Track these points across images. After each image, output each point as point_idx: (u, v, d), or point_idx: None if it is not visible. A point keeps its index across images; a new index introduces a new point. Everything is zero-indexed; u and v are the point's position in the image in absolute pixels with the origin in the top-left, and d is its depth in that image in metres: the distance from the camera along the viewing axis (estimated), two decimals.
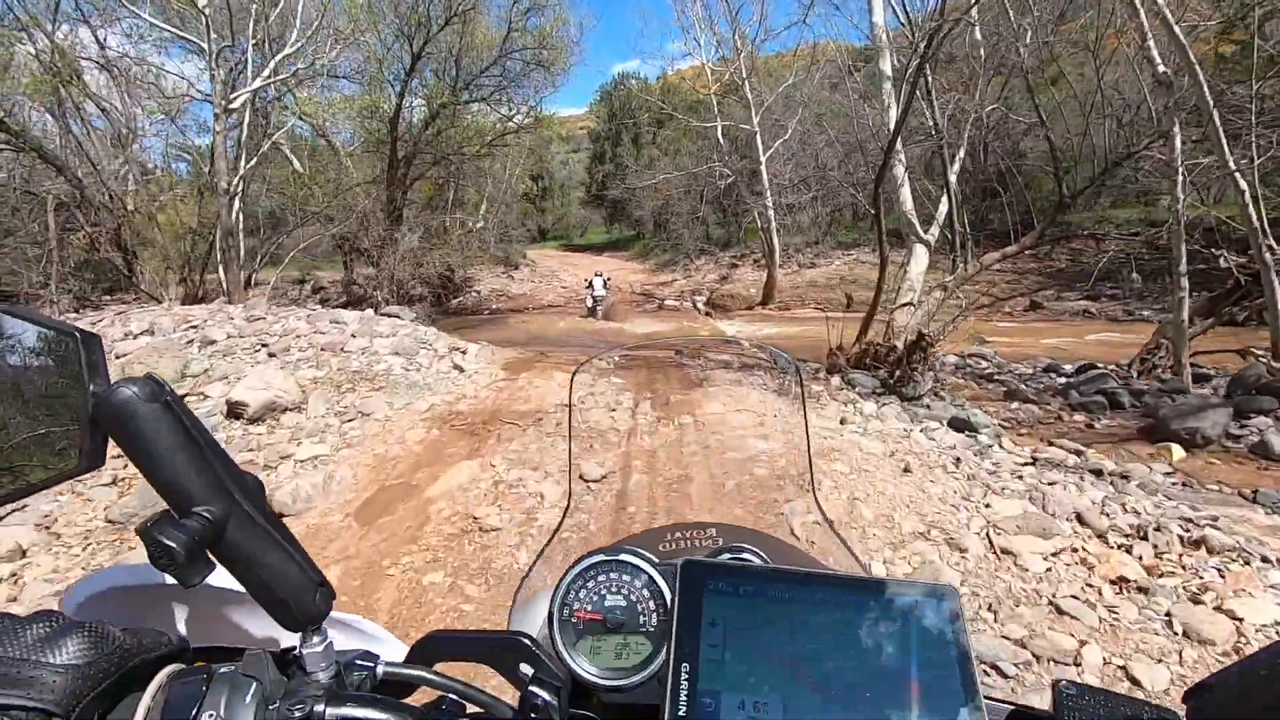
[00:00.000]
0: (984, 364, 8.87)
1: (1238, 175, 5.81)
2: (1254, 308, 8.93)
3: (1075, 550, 2.55)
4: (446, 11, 15.99)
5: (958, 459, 3.86)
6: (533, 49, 17.84)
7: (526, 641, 0.48)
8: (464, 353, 7.58)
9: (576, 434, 4.26)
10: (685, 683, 0.40)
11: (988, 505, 3.04)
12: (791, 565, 0.57)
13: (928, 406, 6.18)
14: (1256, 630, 2.18)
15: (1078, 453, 4.75)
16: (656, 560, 0.53)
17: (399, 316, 10.51)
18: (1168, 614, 2.27)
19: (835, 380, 7.21)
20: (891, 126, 7.94)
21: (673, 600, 0.45)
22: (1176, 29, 5.68)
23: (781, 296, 18.94)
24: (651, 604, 0.51)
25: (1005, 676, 1.98)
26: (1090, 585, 2.32)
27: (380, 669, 0.47)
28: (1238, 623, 2.22)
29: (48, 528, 3.43)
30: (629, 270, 28.79)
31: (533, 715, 0.46)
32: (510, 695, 0.49)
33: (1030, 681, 1.97)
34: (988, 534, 2.68)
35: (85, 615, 0.40)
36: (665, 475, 3.69)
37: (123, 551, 3.17)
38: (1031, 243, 8.46)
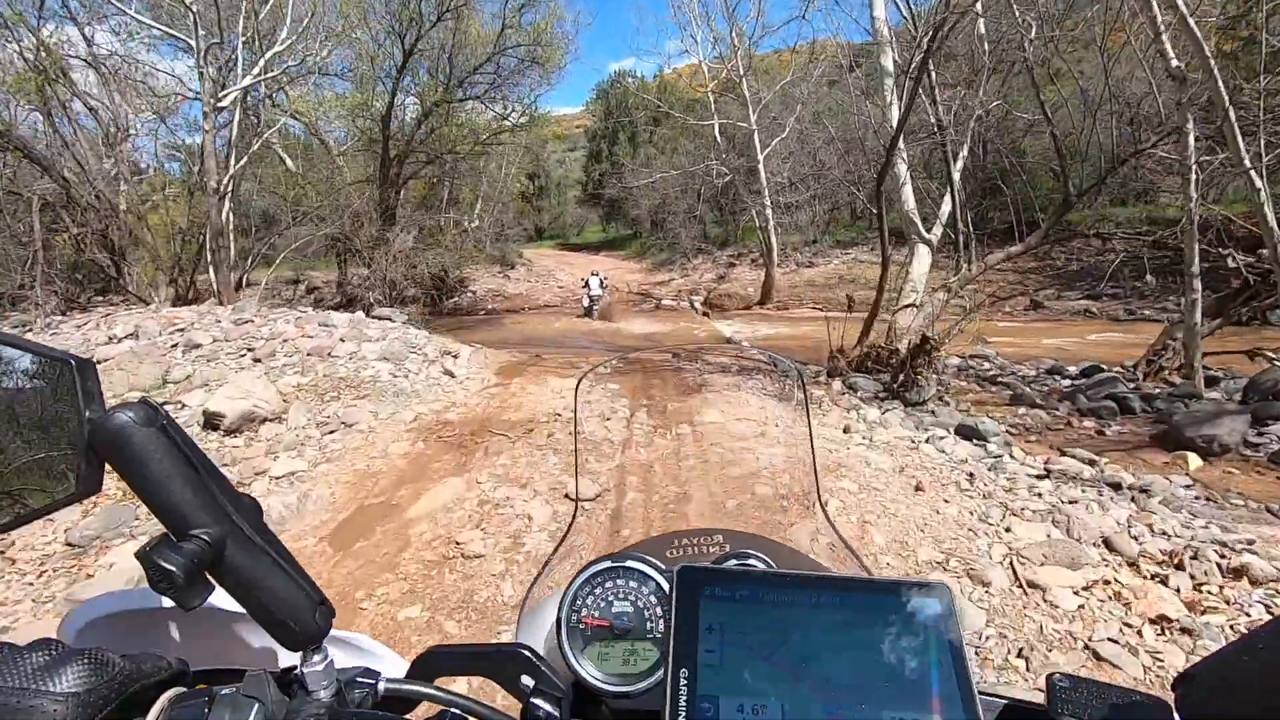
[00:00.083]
0: (986, 365, 8.68)
1: (1253, 173, 5.61)
2: (1262, 308, 8.77)
3: (1108, 583, 2.34)
4: (439, 7, 15.71)
5: (971, 474, 3.65)
6: (527, 46, 17.50)
7: (527, 653, 0.49)
8: (455, 357, 7.37)
9: (569, 448, 4.11)
10: (684, 688, 0.39)
11: (1008, 529, 2.83)
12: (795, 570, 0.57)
13: (933, 412, 5.99)
14: None
15: (1091, 463, 4.55)
16: (663, 567, 0.54)
17: (390, 319, 10.29)
18: None
19: (837, 384, 7.02)
20: (893, 124, 7.74)
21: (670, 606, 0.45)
22: (1191, 21, 5.47)
23: (779, 296, 18.76)
24: (658, 610, 0.52)
25: None
26: (1129, 625, 2.11)
27: (381, 686, 0.47)
28: None
29: (2, 552, 3.21)
30: (626, 269, 28.53)
31: None
32: (511, 707, 0.48)
33: None
34: (1011, 563, 2.47)
35: (84, 642, 0.41)
36: (662, 494, 3.48)
37: (79, 580, 2.94)
38: (1037, 242, 8.26)
